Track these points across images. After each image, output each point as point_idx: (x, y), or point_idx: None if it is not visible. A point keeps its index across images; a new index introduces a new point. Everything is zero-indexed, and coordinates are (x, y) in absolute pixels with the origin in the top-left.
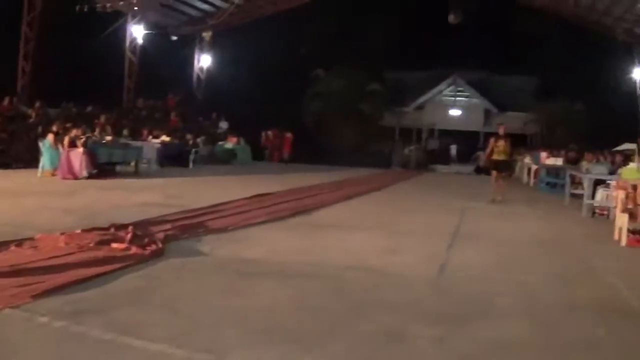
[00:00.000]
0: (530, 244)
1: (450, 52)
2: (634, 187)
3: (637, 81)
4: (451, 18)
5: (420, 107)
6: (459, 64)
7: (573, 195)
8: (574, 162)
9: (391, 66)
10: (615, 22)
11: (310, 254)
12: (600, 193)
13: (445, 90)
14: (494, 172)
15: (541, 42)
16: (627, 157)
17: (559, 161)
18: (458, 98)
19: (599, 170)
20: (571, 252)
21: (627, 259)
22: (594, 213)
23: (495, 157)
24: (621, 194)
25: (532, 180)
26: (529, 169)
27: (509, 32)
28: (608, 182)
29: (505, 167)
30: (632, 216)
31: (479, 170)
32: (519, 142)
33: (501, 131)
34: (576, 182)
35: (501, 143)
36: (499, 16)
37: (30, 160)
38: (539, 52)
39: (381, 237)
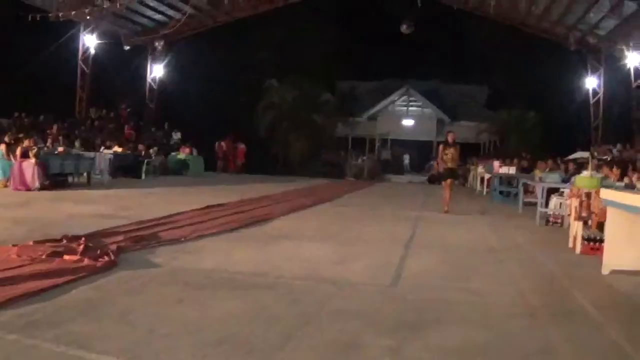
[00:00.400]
0: (485, 252)
1: (402, 61)
2: (588, 195)
3: (590, 90)
4: (404, 28)
5: (373, 117)
6: (411, 73)
7: (526, 204)
8: (527, 170)
9: (344, 76)
10: (567, 31)
11: (263, 265)
12: (554, 201)
13: (397, 100)
14: (443, 182)
15: (493, 50)
16: (580, 166)
17: (512, 170)
18: (411, 108)
19: (552, 178)
20: (526, 260)
21: (582, 266)
22: (547, 221)
23: (444, 165)
24: (575, 202)
25: (485, 189)
26: (482, 178)
27: (461, 41)
28: (561, 190)
29: (454, 176)
30: (585, 224)
31: (432, 180)
32: (472, 151)
33: (450, 139)
34: (529, 191)
35: (450, 151)
36: (450, 25)
37: None
38: (491, 61)
39: (334, 247)
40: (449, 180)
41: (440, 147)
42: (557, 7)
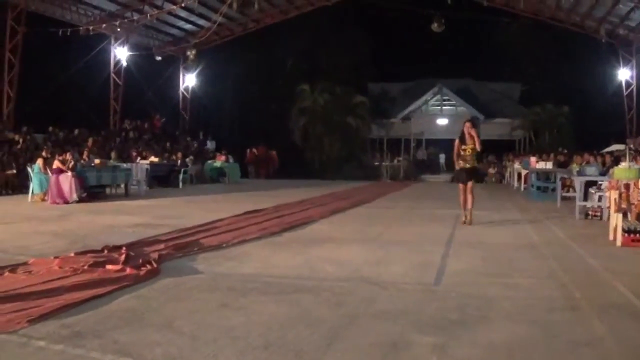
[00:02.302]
0: (526, 248)
1: (434, 61)
2: (627, 187)
3: (623, 81)
4: (434, 26)
5: (407, 118)
6: (444, 72)
7: (564, 198)
8: (563, 165)
9: (376, 78)
10: (597, 24)
11: (305, 268)
12: (593, 194)
13: (431, 100)
14: (460, 185)
15: (525, 46)
16: (617, 158)
17: (548, 165)
18: (444, 107)
19: (590, 171)
20: (567, 254)
21: (623, 259)
22: (587, 215)
23: (461, 164)
24: (614, 194)
25: (522, 186)
26: (519, 174)
27: (492, 39)
28: (599, 183)
29: (476, 177)
30: (625, 215)
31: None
32: (508, 147)
33: (467, 130)
34: (567, 185)
35: (468, 146)
36: (481, 23)
37: (20, 186)
38: (523, 57)
39: (375, 249)
40: (469, 184)
41: (456, 142)
42: (587, 0)
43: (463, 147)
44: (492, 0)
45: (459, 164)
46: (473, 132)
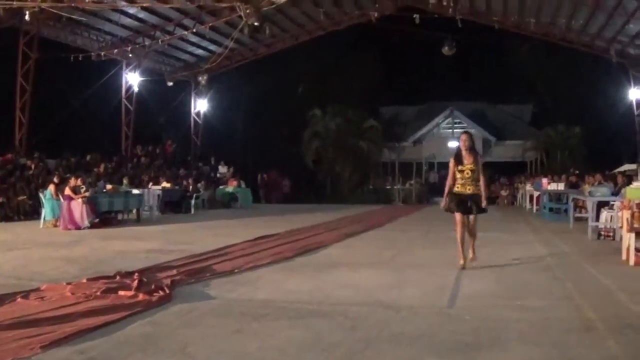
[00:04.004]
0: (539, 270)
1: (445, 84)
2: (639, 206)
3: (633, 101)
4: (445, 50)
5: (418, 141)
6: (455, 95)
7: (577, 219)
8: (575, 186)
9: (387, 102)
10: (608, 44)
11: (319, 293)
12: (605, 215)
13: (442, 123)
14: (456, 216)
15: (536, 68)
16: (630, 178)
17: (560, 186)
18: (456, 130)
19: (602, 192)
20: (580, 275)
21: (637, 278)
22: (599, 235)
23: (458, 189)
24: (627, 214)
25: (535, 207)
26: (531, 196)
27: (504, 61)
28: (612, 203)
29: (475, 206)
30: (638, 235)
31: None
32: (520, 169)
33: (463, 145)
34: (579, 206)
35: (466, 166)
36: (492, 45)
37: (32, 211)
38: (534, 78)
39: (388, 273)
40: (471, 217)
41: (450, 162)
42: (597, 21)
43: (460, 167)
44: (502, 23)
45: (456, 189)
46: (470, 149)
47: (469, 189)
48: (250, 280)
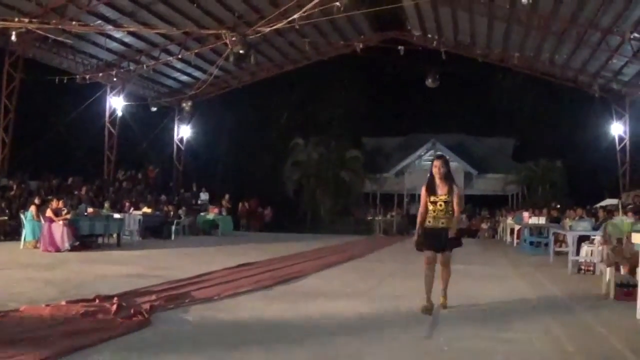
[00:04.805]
0: (518, 303)
1: (427, 116)
2: (619, 241)
3: (616, 136)
4: (428, 82)
5: (400, 173)
6: (438, 127)
7: (557, 253)
8: (556, 220)
9: (369, 132)
10: (591, 78)
11: (297, 321)
12: (585, 249)
13: (425, 155)
14: (426, 253)
15: (519, 101)
16: (610, 212)
17: (541, 220)
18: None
19: (583, 226)
20: (559, 309)
21: (616, 312)
22: (579, 269)
23: (430, 223)
24: (607, 248)
25: (515, 241)
26: (512, 229)
27: (487, 94)
28: (592, 237)
29: (449, 242)
30: (618, 269)
31: (461, 233)
32: (501, 203)
33: (436, 170)
34: (560, 240)
35: (440, 197)
36: (476, 78)
37: (12, 232)
38: (517, 111)
39: (369, 303)
40: (443, 254)
41: (422, 191)
42: (580, 55)
43: (432, 198)
44: (486, 56)
45: (428, 223)
46: (445, 177)
47: (442, 223)
48: (229, 307)
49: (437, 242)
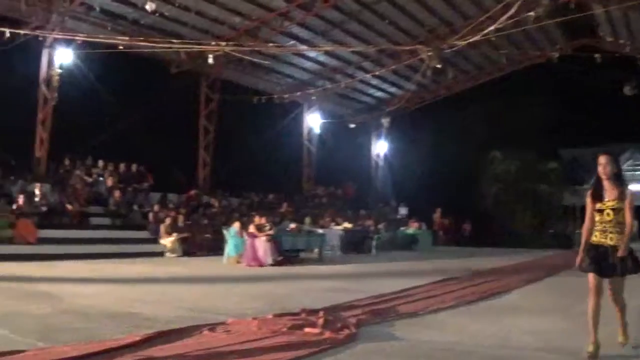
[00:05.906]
0: None
1: (624, 125)
2: None
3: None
4: (626, 90)
5: None
6: (635, 137)
7: None
8: None
9: (567, 143)
10: None
11: (503, 339)
12: None
13: (623, 166)
14: (590, 277)
15: None
16: None
17: None
18: (636, 172)
19: None
20: None
21: None
22: None
23: (596, 238)
24: None
25: None
26: None
27: None
28: None
29: (623, 265)
30: None
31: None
32: None
33: (602, 170)
34: None
35: (607, 203)
36: None
37: (214, 247)
38: None
39: (568, 320)
40: (614, 280)
41: (587, 197)
42: None
43: (598, 205)
44: None
45: (593, 238)
46: (613, 177)
47: (611, 239)
48: (433, 322)
49: (604, 263)
